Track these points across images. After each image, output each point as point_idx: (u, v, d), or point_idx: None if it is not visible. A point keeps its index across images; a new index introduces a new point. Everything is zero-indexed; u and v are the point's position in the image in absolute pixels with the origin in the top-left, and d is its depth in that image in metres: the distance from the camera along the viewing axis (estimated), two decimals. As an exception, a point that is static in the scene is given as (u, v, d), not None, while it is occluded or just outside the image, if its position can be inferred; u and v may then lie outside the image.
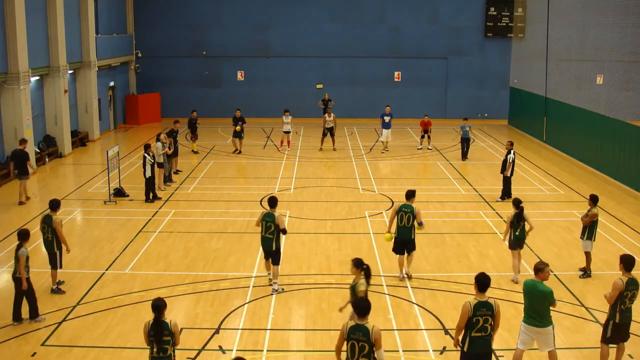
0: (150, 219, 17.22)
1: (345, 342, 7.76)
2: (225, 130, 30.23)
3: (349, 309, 9.61)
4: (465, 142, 25.20)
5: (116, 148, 19.78)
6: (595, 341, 10.10)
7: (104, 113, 30.89)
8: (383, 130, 26.45)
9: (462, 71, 35.08)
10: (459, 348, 8.55)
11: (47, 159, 24.12)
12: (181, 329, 10.38)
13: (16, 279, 10.99)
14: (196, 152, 25.93)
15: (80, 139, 27.60)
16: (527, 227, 12.91)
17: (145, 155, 18.55)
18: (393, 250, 13.19)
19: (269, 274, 12.79)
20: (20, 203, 18.46)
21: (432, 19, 34.83)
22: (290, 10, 34.61)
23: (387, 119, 26.17)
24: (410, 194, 13.07)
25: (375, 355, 7.74)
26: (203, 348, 10.29)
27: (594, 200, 13.39)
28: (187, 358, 9.89)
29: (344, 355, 7.88)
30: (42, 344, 10.40)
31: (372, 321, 7.82)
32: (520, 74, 32.55)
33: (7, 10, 21.10)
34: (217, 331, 10.87)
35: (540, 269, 9.07)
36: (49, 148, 24.60)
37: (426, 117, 26.76)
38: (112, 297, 12.24)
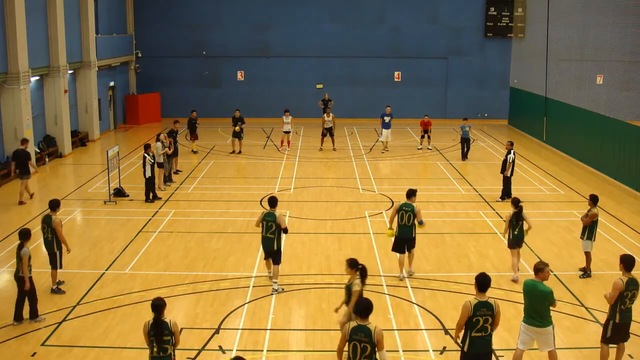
0: (150, 219, 17.23)
1: (347, 343, 7.76)
2: (225, 130, 30.22)
3: (344, 309, 9.65)
4: (465, 142, 25.19)
5: (116, 148, 19.78)
6: (595, 341, 10.11)
7: (104, 113, 30.89)
8: (383, 130, 26.45)
9: (462, 71, 35.08)
10: (459, 348, 8.55)
11: (47, 159, 24.13)
12: (181, 329, 10.38)
13: (19, 278, 10.97)
14: (196, 152, 25.94)
15: (80, 139, 27.60)
16: (525, 227, 12.93)
17: (145, 155, 18.55)
18: (393, 250, 13.21)
19: (269, 272, 12.82)
20: (20, 203, 18.46)
21: (432, 19, 34.82)
22: (290, 10, 34.61)
23: (387, 119, 26.17)
24: (411, 193, 13.10)
25: (377, 357, 7.73)
26: (203, 348, 10.29)
27: (594, 200, 13.39)
28: (187, 358, 9.89)
29: (345, 355, 7.87)
30: (42, 344, 10.40)
31: (373, 322, 7.82)
32: (520, 74, 32.54)
33: (7, 10, 21.11)
34: (217, 331, 10.87)
35: (540, 269, 9.07)
36: (49, 148, 24.60)
37: (426, 117, 26.76)
38: (112, 297, 12.24)
